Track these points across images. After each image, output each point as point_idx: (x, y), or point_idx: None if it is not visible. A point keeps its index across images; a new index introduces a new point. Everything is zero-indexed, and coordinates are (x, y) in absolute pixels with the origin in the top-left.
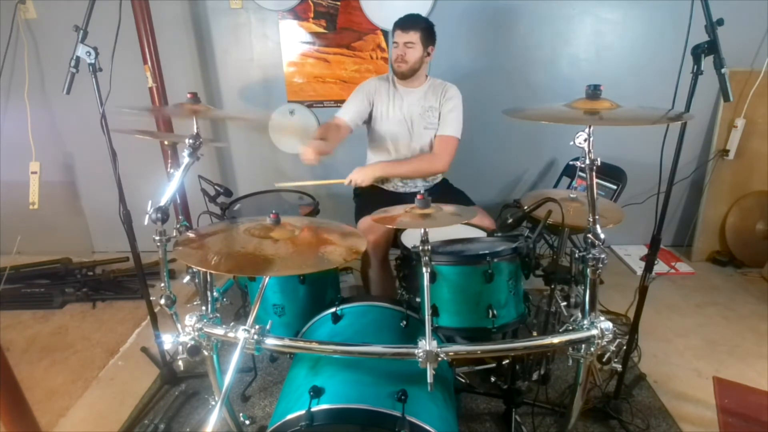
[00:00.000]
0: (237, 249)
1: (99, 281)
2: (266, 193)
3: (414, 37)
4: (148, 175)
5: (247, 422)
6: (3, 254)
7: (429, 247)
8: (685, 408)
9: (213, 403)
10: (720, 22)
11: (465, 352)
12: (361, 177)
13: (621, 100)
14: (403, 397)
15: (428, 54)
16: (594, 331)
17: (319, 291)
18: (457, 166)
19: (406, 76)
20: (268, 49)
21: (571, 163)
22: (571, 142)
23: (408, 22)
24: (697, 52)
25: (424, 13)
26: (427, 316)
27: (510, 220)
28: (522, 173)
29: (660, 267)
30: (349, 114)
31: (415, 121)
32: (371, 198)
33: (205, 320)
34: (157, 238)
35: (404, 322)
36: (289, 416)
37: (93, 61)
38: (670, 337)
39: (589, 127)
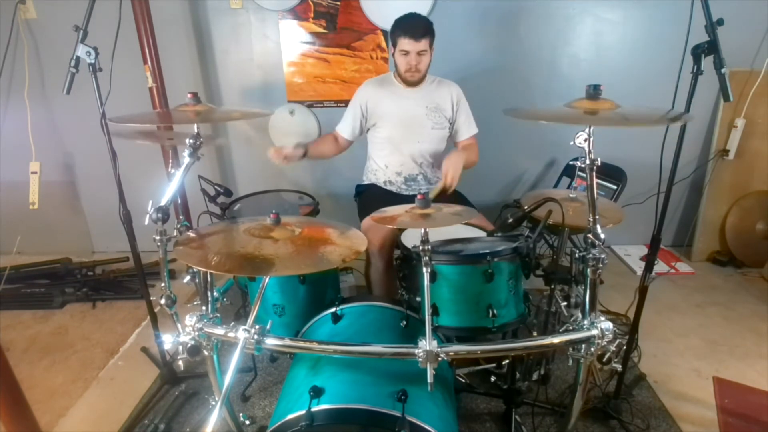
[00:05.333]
0: (237, 249)
1: (99, 281)
2: (266, 193)
3: (425, 44)
4: (148, 175)
5: (247, 422)
6: (3, 254)
7: (429, 247)
8: (685, 408)
9: (213, 403)
10: (720, 22)
11: (465, 352)
12: (454, 172)
13: (621, 100)
14: (403, 397)
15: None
16: (594, 331)
17: (319, 291)
18: None
19: (418, 83)
20: (268, 49)
21: (571, 163)
22: (571, 142)
23: (419, 30)
24: (697, 52)
25: (423, 13)
26: (427, 316)
27: (510, 220)
28: (522, 173)
29: (660, 267)
30: (346, 129)
31: (420, 120)
32: (374, 198)
33: (205, 320)
34: (158, 238)
35: (404, 322)
36: (289, 416)
37: (93, 61)
38: (670, 337)
39: (589, 127)
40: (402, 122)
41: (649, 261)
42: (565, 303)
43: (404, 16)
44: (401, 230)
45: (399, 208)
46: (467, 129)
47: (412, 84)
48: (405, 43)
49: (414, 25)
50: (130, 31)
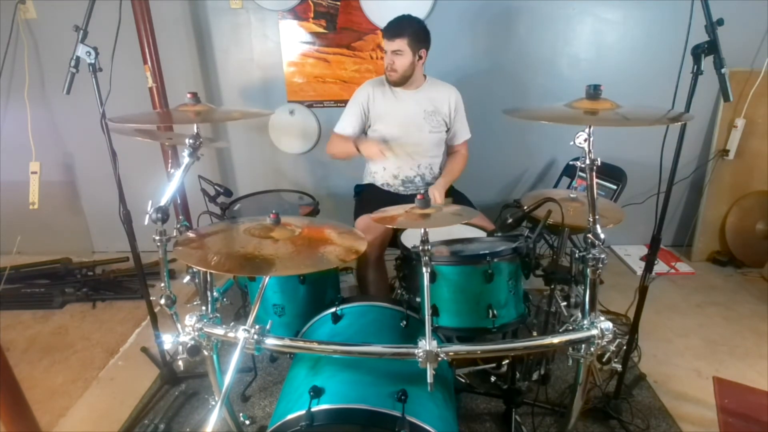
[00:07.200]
0: (237, 249)
1: (99, 281)
2: (266, 193)
3: (401, 44)
4: (148, 175)
5: (247, 422)
6: (3, 254)
7: (429, 247)
8: (685, 408)
9: (213, 403)
10: (720, 22)
11: (465, 352)
12: (439, 197)
13: (621, 100)
14: (403, 397)
15: (420, 57)
16: (594, 331)
17: (319, 291)
18: None
19: (399, 84)
20: (268, 49)
21: (571, 163)
22: (571, 142)
23: (393, 30)
24: (697, 52)
25: (423, 14)
26: (427, 316)
27: (510, 220)
28: (522, 173)
29: (660, 267)
30: (350, 129)
31: (418, 123)
32: (371, 198)
33: (205, 320)
34: (158, 238)
35: (404, 322)
36: (289, 416)
37: (93, 61)
38: (670, 337)
39: (589, 127)
40: (399, 125)
41: (649, 261)
42: (565, 303)
43: (394, 18)
44: (395, 230)
45: (398, 208)
46: (461, 135)
47: (394, 84)
48: (384, 42)
49: (392, 25)
50: (130, 31)
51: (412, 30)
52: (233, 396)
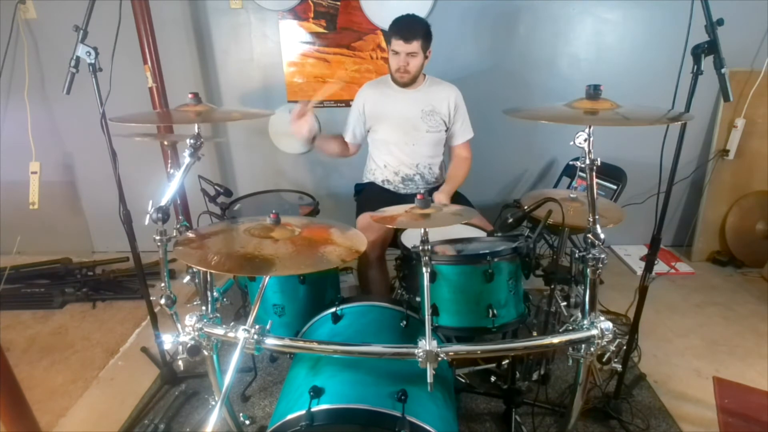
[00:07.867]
0: (237, 249)
1: (99, 281)
2: (266, 193)
3: (416, 46)
4: (148, 175)
5: (247, 422)
6: (3, 254)
7: (429, 247)
8: (685, 408)
9: (213, 403)
10: (720, 22)
11: (465, 352)
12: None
13: (621, 100)
14: (403, 397)
15: (427, 57)
16: (594, 331)
17: (319, 291)
18: None
19: (408, 84)
20: (268, 49)
21: (571, 163)
22: (571, 142)
23: (410, 32)
24: (697, 52)
25: (424, 13)
26: (427, 316)
27: (510, 220)
28: (522, 173)
29: (660, 267)
30: (349, 134)
31: (416, 123)
32: (372, 198)
33: (205, 320)
34: (158, 238)
35: (404, 322)
36: (290, 416)
37: (93, 61)
38: (670, 337)
39: (589, 127)
40: (397, 124)
41: (649, 261)
42: (565, 303)
43: (401, 17)
44: (396, 230)
45: (398, 208)
46: (463, 134)
47: (404, 85)
48: (396, 43)
49: (406, 27)
50: (130, 31)
51: (424, 31)
52: (233, 396)
